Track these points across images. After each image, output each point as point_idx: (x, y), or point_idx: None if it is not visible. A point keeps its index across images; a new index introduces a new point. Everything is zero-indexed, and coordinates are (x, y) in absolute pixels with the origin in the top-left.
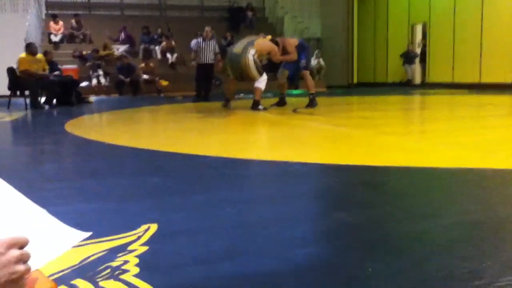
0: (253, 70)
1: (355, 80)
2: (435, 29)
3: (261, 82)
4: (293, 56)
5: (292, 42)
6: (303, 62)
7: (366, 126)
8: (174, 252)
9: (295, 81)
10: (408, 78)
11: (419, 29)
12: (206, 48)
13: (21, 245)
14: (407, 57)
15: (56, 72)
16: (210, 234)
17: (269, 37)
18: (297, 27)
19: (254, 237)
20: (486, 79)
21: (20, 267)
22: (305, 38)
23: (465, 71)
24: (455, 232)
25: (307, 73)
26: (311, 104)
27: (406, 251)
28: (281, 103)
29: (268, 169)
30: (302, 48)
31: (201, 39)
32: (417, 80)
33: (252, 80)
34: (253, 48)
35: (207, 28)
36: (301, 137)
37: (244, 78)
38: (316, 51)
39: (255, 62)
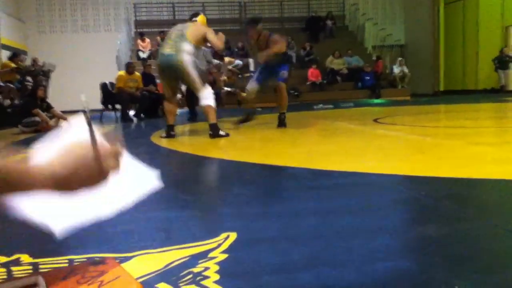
0: (192, 75)
1: (441, 88)
2: None
3: (208, 97)
4: (282, 45)
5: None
6: (284, 73)
7: (454, 135)
8: (253, 260)
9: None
10: (501, 84)
11: None
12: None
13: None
14: (501, 62)
15: (151, 86)
16: (290, 243)
17: (202, 16)
18: (379, 34)
19: (334, 248)
20: None
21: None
22: (387, 45)
23: None
24: None
25: (283, 87)
26: (281, 123)
27: (497, 269)
28: (247, 119)
29: (351, 180)
30: (287, 58)
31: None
32: (511, 86)
33: (195, 92)
34: (187, 42)
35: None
36: (385, 147)
37: (178, 91)
38: (400, 59)
39: (193, 65)
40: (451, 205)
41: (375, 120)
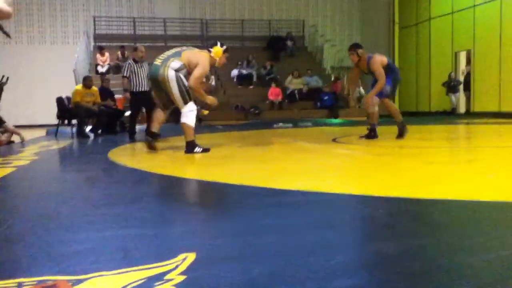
0: (175, 91)
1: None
2: (480, 57)
3: (188, 116)
4: (382, 79)
5: (381, 59)
6: (387, 87)
7: (410, 155)
8: (212, 281)
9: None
10: (453, 107)
11: (463, 56)
12: (140, 73)
13: None
14: (450, 86)
15: (109, 101)
16: (250, 262)
17: (218, 49)
18: (337, 55)
19: (294, 266)
20: None
21: None
22: (345, 66)
23: None
24: (500, 267)
25: (387, 101)
26: (401, 133)
27: (448, 285)
28: (370, 135)
29: (310, 198)
30: (389, 70)
31: (132, 61)
32: (462, 109)
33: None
34: (178, 60)
35: (140, 47)
36: (343, 167)
37: (168, 103)
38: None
39: (178, 81)
40: (407, 223)
41: (334, 140)
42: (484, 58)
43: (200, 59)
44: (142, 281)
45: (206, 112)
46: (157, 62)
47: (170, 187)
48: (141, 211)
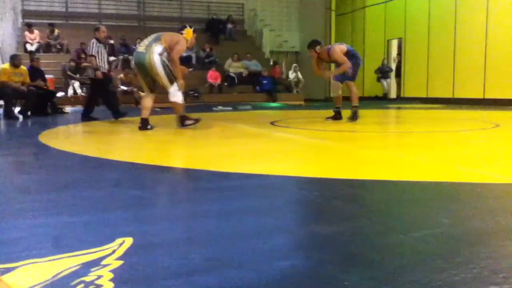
0: (161, 73)
1: (331, 94)
2: (410, 45)
3: (175, 94)
4: (347, 64)
5: (340, 48)
6: (350, 71)
7: (345, 139)
8: (150, 266)
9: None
10: (384, 92)
11: (394, 44)
12: (103, 53)
13: None
14: (382, 72)
15: (39, 82)
16: (188, 246)
17: (189, 30)
18: (276, 40)
19: (233, 249)
20: (459, 94)
21: None
22: (283, 51)
23: (439, 86)
24: (429, 244)
25: (351, 84)
26: (354, 117)
27: (381, 263)
28: (336, 117)
29: (248, 182)
30: (350, 57)
31: (96, 41)
32: (393, 94)
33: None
34: (159, 45)
35: (102, 27)
36: (281, 150)
37: (154, 87)
38: (295, 65)
39: (163, 64)
40: (343, 205)
41: (272, 123)
42: (414, 46)
43: (179, 38)
44: (77, 267)
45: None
46: (141, 49)
47: (106, 171)
48: (76, 196)
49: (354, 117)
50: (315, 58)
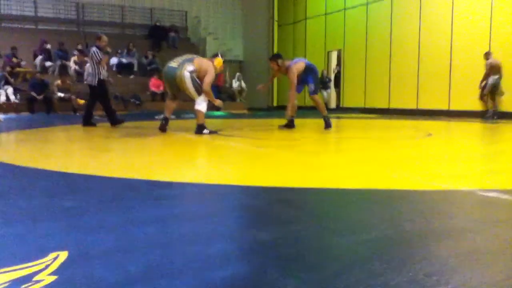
0: (190, 87)
1: (274, 103)
2: (348, 56)
3: (201, 103)
4: (292, 85)
5: (296, 67)
6: (311, 86)
7: (286, 146)
8: (85, 279)
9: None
10: (324, 102)
11: (334, 55)
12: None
13: None
14: (322, 83)
15: None
16: (126, 256)
17: (219, 60)
18: (220, 49)
19: (171, 257)
20: (395, 104)
21: None
22: (227, 59)
23: (376, 96)
24: (366, 248)
25: (315, 97)
26: (328, 125)
27: (319, 267)
28: (289, 125)
29: (186, 190)
30: (309, 71)
31: (96, 49)
32: (332, 104)
33: (191, 98)
34: (192, 65)
35: (103, 36)
36: (223, 158)
37: (182, 92)
38: (238, 74)
39: (192, 79)
40: (282, 211)
41: (216, 132)
42: (352, 58)
43: (209, 68)
44: (6, 284)
45: (81, 101)
46: (173, 64)
47: (39, 181)
48: (6, 207)
49: (328, 125)
50: (275, 71)
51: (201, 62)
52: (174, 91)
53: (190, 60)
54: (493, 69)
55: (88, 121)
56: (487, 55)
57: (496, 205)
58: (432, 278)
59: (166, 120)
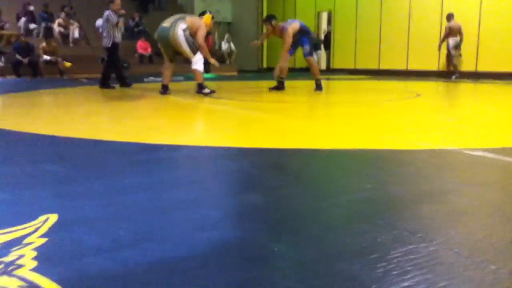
0: (184, 46)
1: (264, 65)
2: (339, 18)
3: (197, 63)
4: (286, 46)
5: (291, 28)
6: (306, 48)
7: (275, 110)
8: (74, 243)
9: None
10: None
11: (324, 16)
12: (118, 24)
13: None
14: (314, 44)
15: None
16: (113, 222)
17: (208, 16)
18: (208, 10)
19: (159, 223)
20: (384, 66)
21: None
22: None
23: (366, 58)
24: (353, 209)
25: (310, 59)
26: (319, 87)
27: (305, 229)
28: (279, 87)
29: (179, 153)
30: (303, 33)
31: (112, 12)
32: (323, 66)
33: (187, 58)
34: (184, 23)
35: (118, 0)
36: (213, 121)
37: (178, 54)
38: (227, 35)
39: (186, 38)
40: (271, 174)
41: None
42: (342, 19)
43: (200, 24)
44: None
45: (68, 64)
46: (166, 25)
47: (29, 146)
48: None
49: (319, 88)
50: (269, 32)
51: (192, 20)
52: (169, 53)
53: (183, 19)
54: (452, 31)
55: (105, 84)
56: (449, 17)
57: (481, 164)
58: (416, 235)
59: (165, 88)
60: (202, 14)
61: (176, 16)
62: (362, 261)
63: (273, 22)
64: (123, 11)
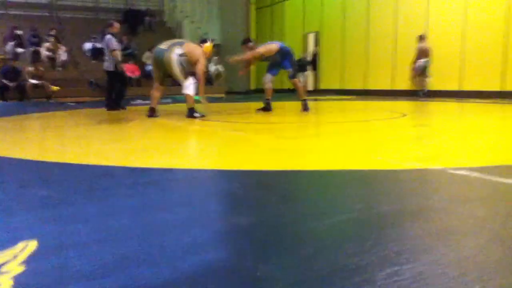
0: (175, 69)
1: (252, 87)
2: (325, 39)
3: (188, 87)
4: (245, 58)
5: (265, 47)
6: (290, 71)
7: (263, 130)
8: (57, 270)
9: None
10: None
11: (311, 38)
12: (118, 47)
13: None
14: (300, 65)
15: None
16: (100, 246)
17: (208, 46)
18: (197, 32)
19: (148, 246)
20: (371, 86)
21: None
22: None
23: (352, 78)
24: (342, 230)
25: (295, 81)
26: (305, 108)
27: (296, 250)
28: (267, 108)
29: (167, 176)
30: (284, 55)
31: (111, 36)
32: (310, 87)
33: (178, 81)
34: (181, 48)
35: (116, 23)
36: (200, 143)
37: (170, 76)
38: (215, 57)
39: (180, 62)
40: (260, 195)
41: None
42: (329, 40)
43: (199, 55)
44: None
45: (56, 88)
46: (163, 46)
47: (11, 170)
48: None
49: (305, 108)
50: (249, 56)
51: (192, 48)
52: (160, 75)
53: (181, 44)
54: (423, 53)
55: (112, 106)
56: (420, 38)
57: (465, 183)
58: (402, 256)
59: (152, 110)
60: (203, 41)
61: (175, 41)
62: (348, 283)
63: (250, 44)
64: (122, 37)
